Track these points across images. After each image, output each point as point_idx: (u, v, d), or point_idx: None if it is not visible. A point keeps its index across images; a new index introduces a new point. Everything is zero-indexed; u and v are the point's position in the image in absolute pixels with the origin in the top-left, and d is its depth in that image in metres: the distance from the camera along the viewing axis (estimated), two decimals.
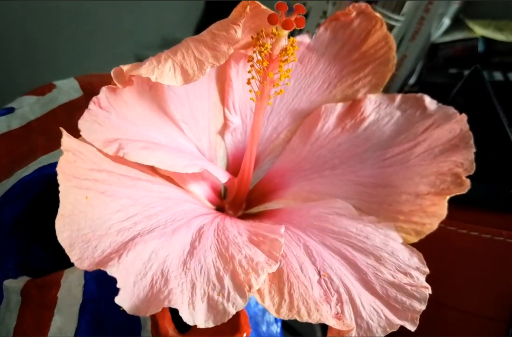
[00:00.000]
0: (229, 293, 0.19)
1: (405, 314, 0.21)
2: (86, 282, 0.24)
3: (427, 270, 0.23)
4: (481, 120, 0.34)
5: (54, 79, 0.32)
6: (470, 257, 0.33)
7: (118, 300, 0.17)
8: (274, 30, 0.23)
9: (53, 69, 0.60)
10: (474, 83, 0.35)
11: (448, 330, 0.34)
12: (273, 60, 0.24)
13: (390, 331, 0.20)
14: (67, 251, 0.18)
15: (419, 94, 0.29)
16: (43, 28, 0.64)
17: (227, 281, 0.19)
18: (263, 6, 0.23)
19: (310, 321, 0.19)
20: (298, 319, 0.19)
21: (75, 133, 0.21)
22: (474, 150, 0.26)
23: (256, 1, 0.23)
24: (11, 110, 0.31)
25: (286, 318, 0.20)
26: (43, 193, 0.27)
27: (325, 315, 0.20)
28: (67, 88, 0.31)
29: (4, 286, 0.26)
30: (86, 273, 0.24)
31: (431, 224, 0.26)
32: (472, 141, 0.26)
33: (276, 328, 0.28)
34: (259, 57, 0.24)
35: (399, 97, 0.29)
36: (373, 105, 0.29)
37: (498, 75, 0.42)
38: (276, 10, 0.23)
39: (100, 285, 0.24)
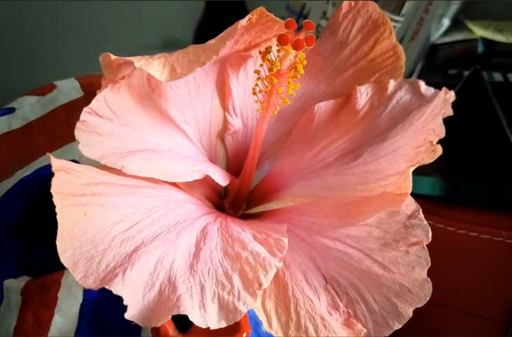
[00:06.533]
0: (239, 292, 0.18)
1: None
2: None
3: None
4: (481, 121, 0.34)
5: (54, 79, 0.32)
6: (469, 257, 0.33)
7: (128, 315, 0.17)
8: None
9: (53, 69, 0.60)
10: (474, 84, 0.35)
11: (447, 330, 0.34)
12: (281, 75, 0.24)
13: (406, 319, 0.20)
14: (71, 270, 0.18)
15: (414, 80, 0.28)
16: (43, 28, 0.64)
17: (236, 280, 0.19)
18: (276, 19, 0.23)
19: None
20: None
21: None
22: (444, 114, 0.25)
23: (270, 14, 0.22)
24: (11, 110, 0.31)
25: None
26: (44, 192, 0.27)
27: (333, 330, 0.20)
28: (68, 89, 0.31)
29: (5, 286, 0.26)
30: None
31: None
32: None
33: None
34: (267, 73, 0.24)
35: (392, 85, 0.28)
36: (365, 97, 0.28)
37: (497, 76, 0.42)
38: (285, 28, 0.22)
39: None
